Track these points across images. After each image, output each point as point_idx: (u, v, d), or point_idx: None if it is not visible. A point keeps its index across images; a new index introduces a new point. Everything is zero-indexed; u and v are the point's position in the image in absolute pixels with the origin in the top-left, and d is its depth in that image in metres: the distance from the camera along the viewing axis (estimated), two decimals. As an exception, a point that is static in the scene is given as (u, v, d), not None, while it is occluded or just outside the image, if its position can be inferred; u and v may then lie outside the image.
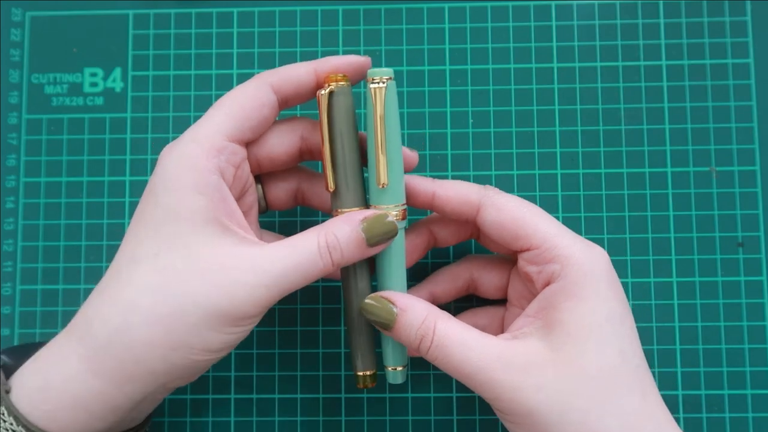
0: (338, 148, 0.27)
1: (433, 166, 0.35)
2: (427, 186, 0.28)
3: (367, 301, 0.27)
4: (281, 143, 0.28)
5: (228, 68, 0.35)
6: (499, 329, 0.31)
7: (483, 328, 0.27)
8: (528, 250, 0.26)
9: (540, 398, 0.24)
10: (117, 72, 0.36)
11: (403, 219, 0.27)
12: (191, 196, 0.24)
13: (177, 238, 0.24)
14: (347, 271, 0.28)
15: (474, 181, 0.34)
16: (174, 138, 0.35)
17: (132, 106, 0.35)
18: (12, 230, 0.35)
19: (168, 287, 0.24)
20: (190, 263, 0.24)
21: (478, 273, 0.31)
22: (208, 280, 0.24)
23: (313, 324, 0.34)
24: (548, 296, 0.26)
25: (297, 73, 0.27)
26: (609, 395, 0.24)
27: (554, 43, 0.35)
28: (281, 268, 0.24)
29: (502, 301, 0.31)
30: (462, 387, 0.33)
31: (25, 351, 0.26)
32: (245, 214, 0.29)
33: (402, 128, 0.35)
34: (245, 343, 0.34)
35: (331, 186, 0.27)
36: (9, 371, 0.25)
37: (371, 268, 0.29)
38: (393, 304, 0.26)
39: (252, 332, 0.34)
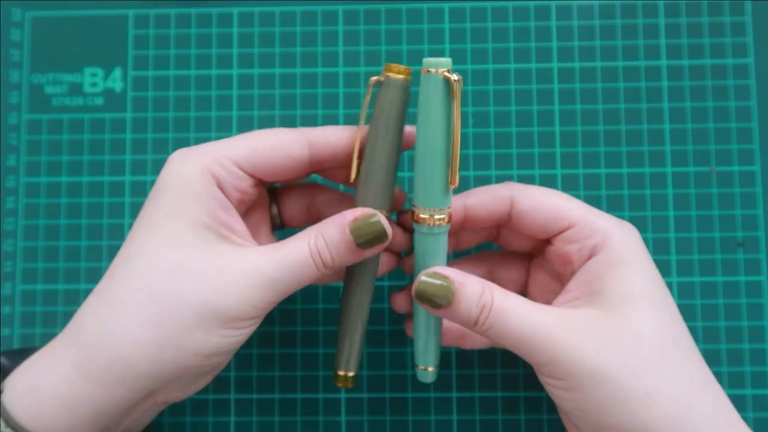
0: (372, 140, 0.26)
1: (433, 166, 0.35)
2: (455, 203, 0.27)
3: (423, 279, 0.25)
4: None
5: (228, 68, 0.35)
6: None
7: None
8: (567, 229, 0.27)
9: (602, 359, 0.23)
10: (117, 72, 0.36)
11: (449, 222, 0.26)
12: (193, 203, 0.24)
13: (174, 240, 0.24)
14: (351, 268, 0.28)
15: (475, 181, 0.34)
16: (174, 139, 0.35)
17: (132, 106, 0.35)
18: (12, 230, 0.35)
19: (160, 288, 0.23)
20: (185, 265, 0.24)
21: (496, 267, 0.31)
22: (202, 281, 0.23)
23: (312, 324, 0.34)
24: (591, 269, 0.26)
25: (337, 139, 0.27)
26: (670, 356, 0.24)
27: (554, 43, 0.35)
28: (274, 271, 0.24)
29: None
30: (462, 387, 0.33)
31: (23, 354, 0.26)
32: (253, 232, 0.29)
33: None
34: (245, 343, 0.34)
35: (352, 177, 0.27)
36: (5, 373, 0.25)
37: (378, 269, 0.28)
38: (449, 279, 0.25)
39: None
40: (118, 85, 0.36)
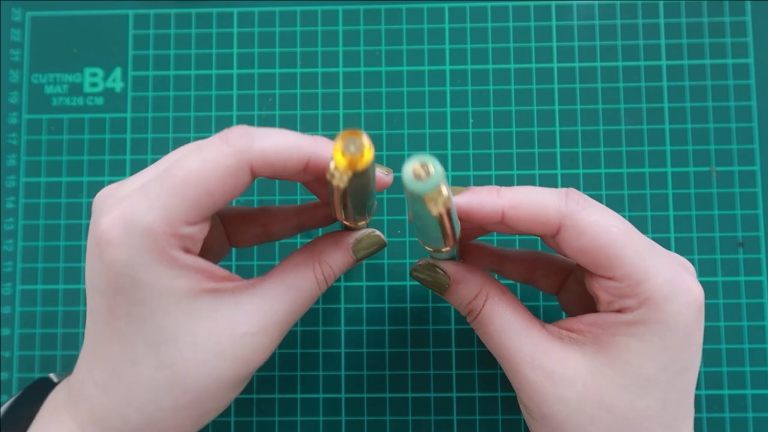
0: (351, 211, 0.24)
1: (433, 166, 0.35)
2: (494, 206, 0.23)
3: (420, 266, 0.26)
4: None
5: (228, 68, 0.35)
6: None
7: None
8: (608, 278, 0.23)
9: (558, 410, 0.23)
10: (117, 72, 0.36)
11: (454, 246, 0.24)
12: (169, 282, 0.22)
13: (173, 327, 0.22)
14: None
15: (474, 182, 0.34)
16: (174, 139, 0.35)
17: (132, 106, 0.35)
18: (12, 230, 0.35)
19: (183, 377, 0.22)
20: (197, 345, 0.23)
21: (536, 269, 0.29)
22: (220, 351, 0.23)
23: (313, 324, 0.34)
24: (610, 320, 0.23)
25: (283, 161, 0.23)
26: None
27: (554, 43, 0.35)
28: (284, 311, 0.24)
29: None
30: (462, 387, 0.33)
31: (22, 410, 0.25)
32: (217, 252, 0.28)
33: (402, 129, 0.35)
34: (245, 343, 0.34)
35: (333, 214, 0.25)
36: None
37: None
38: (446, 274, 0.26)
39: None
40: (118, 85, 0.36)
